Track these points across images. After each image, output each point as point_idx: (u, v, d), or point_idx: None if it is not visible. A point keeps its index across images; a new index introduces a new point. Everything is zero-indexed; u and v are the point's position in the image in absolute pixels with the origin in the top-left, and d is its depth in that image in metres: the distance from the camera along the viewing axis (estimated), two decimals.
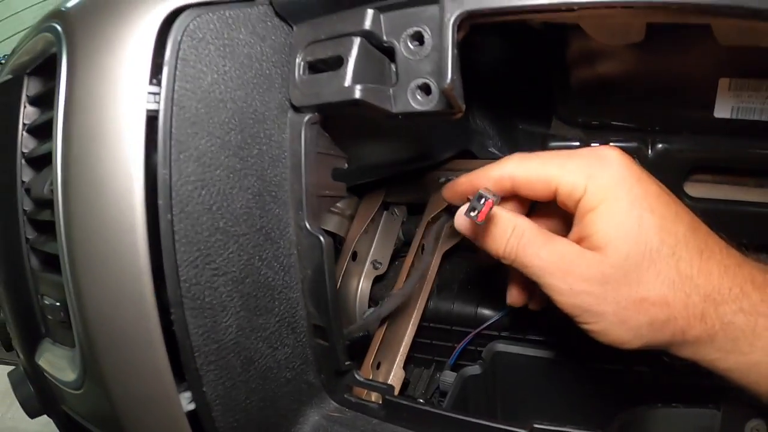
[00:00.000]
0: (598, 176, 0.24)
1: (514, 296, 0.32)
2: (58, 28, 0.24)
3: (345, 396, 0.30)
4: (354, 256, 0.41)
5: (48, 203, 0.26)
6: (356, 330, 0.32)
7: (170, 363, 0.24)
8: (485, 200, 0.24)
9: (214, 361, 0.25)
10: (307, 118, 0.26)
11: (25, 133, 0.31)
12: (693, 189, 0.37)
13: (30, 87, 0.32)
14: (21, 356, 0.36)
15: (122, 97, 0.23)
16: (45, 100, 0.31)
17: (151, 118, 0.23)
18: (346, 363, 0.29)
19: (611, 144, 0.32)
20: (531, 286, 0.31)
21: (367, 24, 0.24)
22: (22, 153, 0.31)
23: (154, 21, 0.23)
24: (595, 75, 0.34)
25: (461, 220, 0.28)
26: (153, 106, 0.23)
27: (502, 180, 0.27)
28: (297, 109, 0.27)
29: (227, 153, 0.25)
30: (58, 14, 0.26)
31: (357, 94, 0.25)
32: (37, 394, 0.36)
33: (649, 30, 0.28)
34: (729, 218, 0.36)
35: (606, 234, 0.24)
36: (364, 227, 0.41)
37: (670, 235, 0.24)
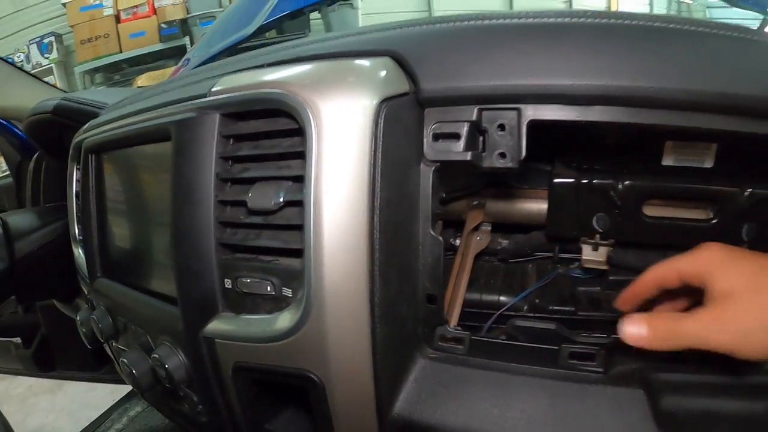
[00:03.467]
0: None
1: (626, 304, 0.47)
2: (303, 105, 0.41)
3: (438, 344, 0.49)
4: None
5: (270, 214, 0.42)
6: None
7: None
8: None
9: (385, 313, 0.42)
10: (434, 167, 0.45)
11: (219, 158, 0.46)
12: (649, 210, 0.59)
13: (220, 124, 0.47)
14: (182, 335, 0.49)
15: (354, 155, 0.40)
16: (238, 137, 0.46)
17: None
18: (447, 326, 0.48)
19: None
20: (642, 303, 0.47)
21: (474, 116, 0.44)
22: (216, 174, 0.46)
23: (372, 107, 0.41)
24: (586, 143, 0.56)
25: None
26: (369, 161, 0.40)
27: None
28: (426, 162, 0.46)
29: (397, 183, 0.43)
30: (284, 85, 0.42)
31: (468, 157, 0.44)
32: (192, 364, 0.50)
33: None
34: (675, 230, 0.59)
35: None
36: None
37: None
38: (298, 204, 0.42)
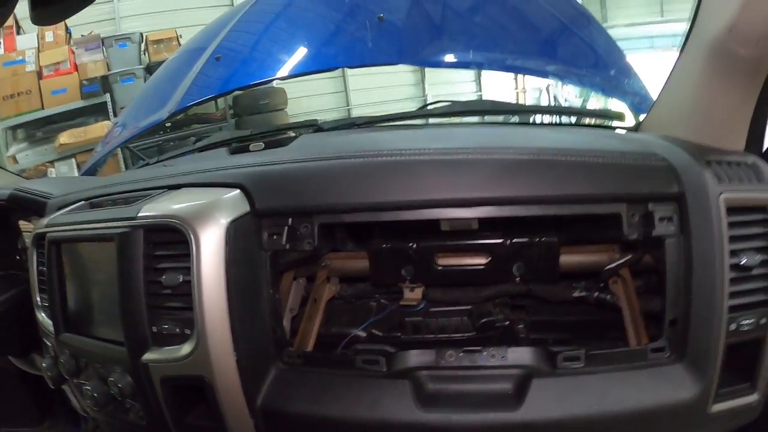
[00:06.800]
0: None
1: None
2: (186, 228, 0.88)
3: (286, 359, 0.96)
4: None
5: (175, 287, 0.90)
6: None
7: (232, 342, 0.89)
8: None
9: (243, 339, 0.90)
10: (270, 253, 0.93)
11: (144, 255, 0.94)
12: (441, 261, 1.08)
13: (144, 235, 0.94)
14: (129, 364, 0.96)
15: (216, 252, 0.89)
16: (155, 243, 0.94)
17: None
18: (290, 348, 0.96)
19: None
20: None
21: (290, 222, 0.93)
22: (144, 265, 0.94)
23: (225, 224, 0.88)
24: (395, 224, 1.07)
25: None
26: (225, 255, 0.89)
27: None
28: (264, 250, 0.94)
29: (245, 264, 0.91)
30: (178, 217, 0.91)
31: (287, 247, 0.92)
32: (135, 382, 0.97)
33: None
34: (461, 273, 1.07)
35: None
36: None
37: None
38: (189, 282, 0.89)
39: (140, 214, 0.94)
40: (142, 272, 0.93)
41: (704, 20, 1.05)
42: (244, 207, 0.92)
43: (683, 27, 1.17)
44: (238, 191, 0.94)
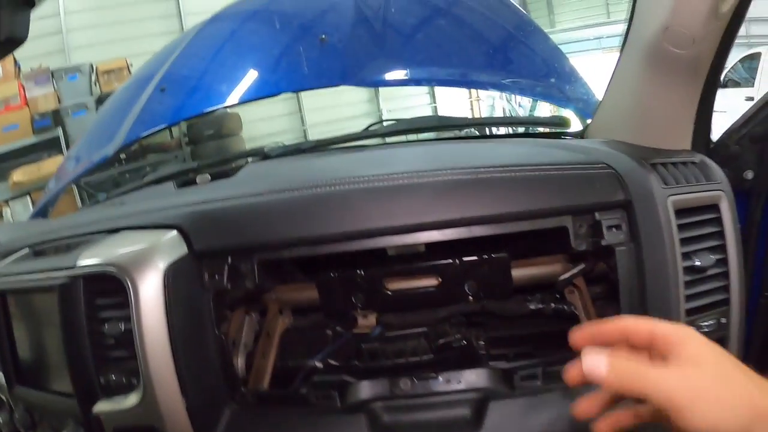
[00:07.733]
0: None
1: (584, 341, 0.55)
2: (124, 277, 0.88)
3: (239, 399, 0.96)
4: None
5: (119, 337, 0.90)
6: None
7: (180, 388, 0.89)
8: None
9: (192, 384, 0.90)
10: (212, 293, 0.93)
11: (85, 305, 0.93)
12: (391, 285, 1.07)
13: (84, 285, 0.94)
14: (80, 416, 0.96)
15: (154, 297, 0.88)
16: (100, 294, 0.94)
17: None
18: (243, 389, 0.96)
19: None
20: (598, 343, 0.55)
21: (229, 261, 0.93)
22: (86, 314, 0.93)
23: (163, 268, 0.88)
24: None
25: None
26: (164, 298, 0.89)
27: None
28: (205, 290, 0.94)
29: (186, 306, 0.91)
30: (114, 264, 0.90)
31: (229, 287, 0.92)
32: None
33: None
34: (413, 296, 1.07)
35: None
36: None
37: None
38: (131, 330, 0.89)
39: (79, 263, 0.94)
40: (85, 322, 0.93)
41: (640, 21, 1.06)
42: (182, 249, 0.93)
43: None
44: (175, 232, 0.94)
